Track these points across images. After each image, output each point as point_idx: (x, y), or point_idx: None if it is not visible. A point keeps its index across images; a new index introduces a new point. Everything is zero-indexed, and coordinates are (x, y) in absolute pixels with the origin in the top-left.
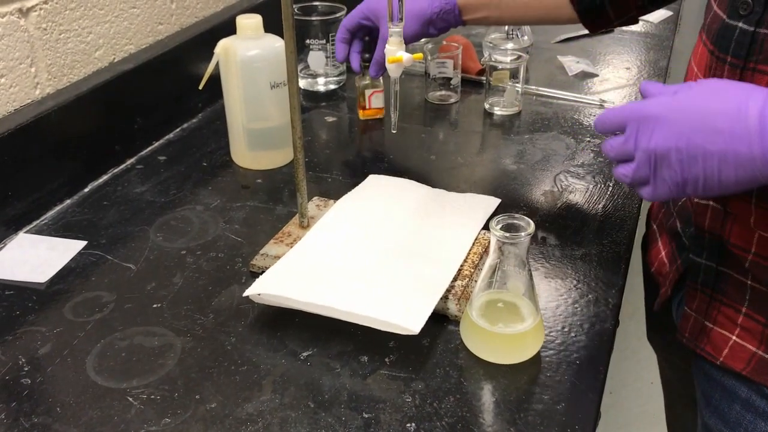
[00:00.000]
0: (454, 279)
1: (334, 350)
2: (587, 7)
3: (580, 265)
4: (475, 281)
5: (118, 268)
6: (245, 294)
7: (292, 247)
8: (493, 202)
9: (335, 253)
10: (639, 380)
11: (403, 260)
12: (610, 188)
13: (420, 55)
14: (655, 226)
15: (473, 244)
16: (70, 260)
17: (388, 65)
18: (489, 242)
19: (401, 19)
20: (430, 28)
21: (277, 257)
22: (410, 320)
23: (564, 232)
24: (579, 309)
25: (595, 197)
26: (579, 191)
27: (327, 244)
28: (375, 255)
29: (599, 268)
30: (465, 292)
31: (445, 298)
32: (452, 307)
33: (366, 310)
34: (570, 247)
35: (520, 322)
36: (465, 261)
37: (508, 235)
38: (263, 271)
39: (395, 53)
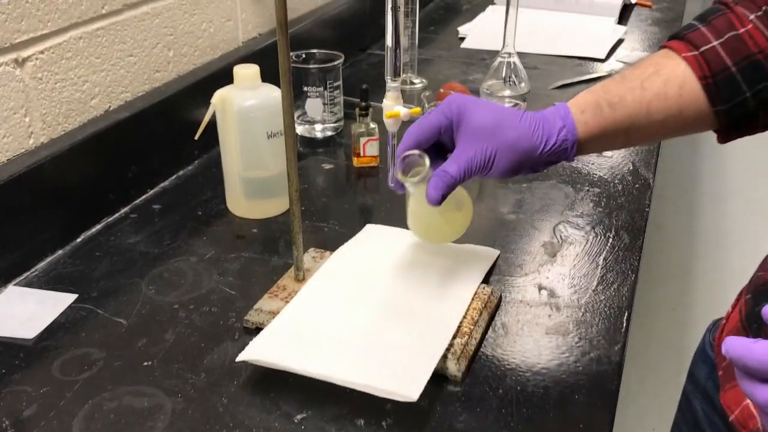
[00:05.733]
0: (453, 337)
1: (330, 413)
2: (738, 117)
3: (582, 320)
4: (475, 338)
5: (109, 323)
6: (238, 359)
7: (287, 302)
8: (492, 253)
9: (330, 312)
10: (640, 427)
11: (400, 319)
12: (610, 240)
13: (418, 109)
14: (724, 364)
15: (472, 299)
16: (60, 314)
17: (385, 120)
18: (488, 297)
19: (399, 74)
20: (535, 167)
21: (272, 312)
22: (408, 387)
23: (564, 286)
24: (581, 368)
25: (596, 249)
26: (579, 242)
27: (322, 301)
28: (371, 314)
29: (601, 324)
30: (465, 350)
31: (444, 357)
32: (451, 366)
33: (362, 378)
34: (571, 301)
35: None
36: (464, 317)
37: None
38: (257, 327)
39: (392, 108)
